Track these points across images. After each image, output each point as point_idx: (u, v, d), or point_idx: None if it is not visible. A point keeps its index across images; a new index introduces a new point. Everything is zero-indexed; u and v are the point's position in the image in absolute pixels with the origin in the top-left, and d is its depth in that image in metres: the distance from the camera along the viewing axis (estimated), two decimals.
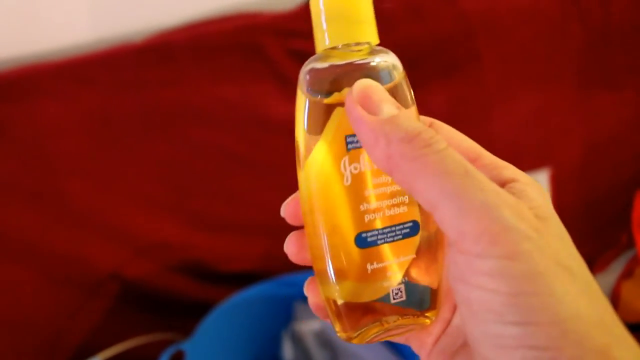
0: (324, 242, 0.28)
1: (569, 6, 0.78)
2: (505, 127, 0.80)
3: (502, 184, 0.26)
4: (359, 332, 0.28)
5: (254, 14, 0.73)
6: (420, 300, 0.28)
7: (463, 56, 0.76)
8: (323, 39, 0.28)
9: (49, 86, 0.70)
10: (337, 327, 0.28)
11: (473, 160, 0.27)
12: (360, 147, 0.27)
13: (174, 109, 0.73)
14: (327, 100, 0.27)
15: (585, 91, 0.82)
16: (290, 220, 0.30)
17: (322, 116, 0.28)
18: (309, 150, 0.28)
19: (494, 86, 0.78)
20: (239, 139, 0.74)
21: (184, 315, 0.74)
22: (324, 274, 0.28)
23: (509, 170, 0.27)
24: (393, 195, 0.27)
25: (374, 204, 0.27)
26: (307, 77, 0.28)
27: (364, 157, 0.27)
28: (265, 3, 0.76)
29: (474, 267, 0.22)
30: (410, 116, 0.25)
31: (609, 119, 0.83)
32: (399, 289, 0.28)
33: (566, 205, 0.83)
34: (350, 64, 0.28)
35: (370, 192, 0.27)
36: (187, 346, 0.67)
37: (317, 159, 0.27)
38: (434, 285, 0.29)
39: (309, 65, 0.28)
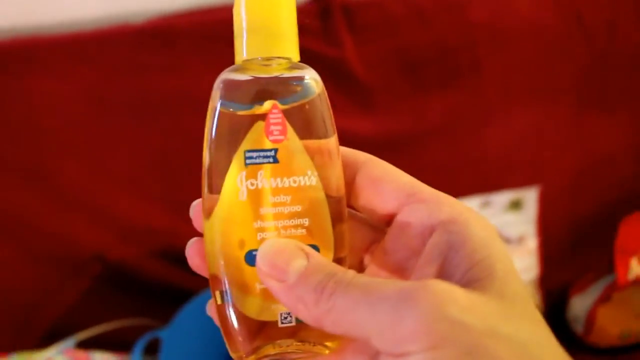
0: (218, 253, 0.27)
1: (574, 25, 0.78)
2: (500, 141, 0.80)
3: (440, 223, 0.25)
4: (252, 351, 0.27)
5: None
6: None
7: (464, 66, 0.76)
8: (242, 50, 0.28)
9: (44, 61, 0.69)
10: (228, 344, 0.27)
11: (411, 195, 0.27)
12: (258, 164, 0.27)
13: (171, 96, 0.72)
14: (242, 113, 0.27)
15: (581, 110, 0.82)
16: (196, 224, 0.29)
17: (233, 128, 0.27)
18: (208, 161, 0.27)
19: (492, 98, 0.78)
20: None
21: (164, 301, 0.74)
22: (217, 284, 0.27)
23: (447, 207, 0.26)
24: (291, 216, 0.27)
25: (268, 222, 0.27)
26: (222, 87, 0.27)
27: (262, 173, 0.27)
28: None
29: None
30: (316, 265, 0.25)
31: (602, 140, 0.84)
32: (289, 313, 0.27)
33: (551, 224, 0.83)
34: (275, 77, 0.27)
35: (266, 210, 0.27)
36: (164, 334, 0.67)
37: (228, 174, 0.27)
38: None
39: (224, 75, 0.27)
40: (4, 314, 0.74)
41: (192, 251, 0.29)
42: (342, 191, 0.28)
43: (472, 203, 0.79)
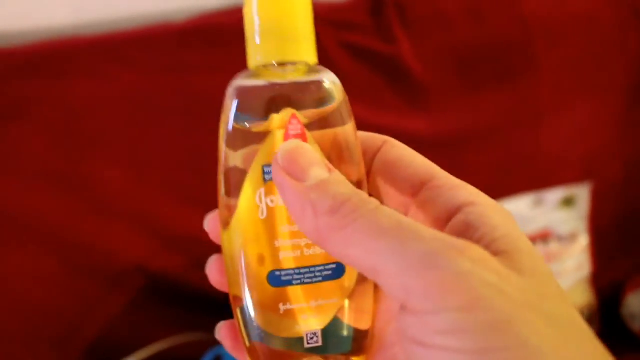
0: (239, 272, 0.26)
1: (629, 16, 0.77)
2: (554, 137, 0.78)
3: (458, 208, 0.24)
4: None
5: None
6: (343, 343, 0.26)
7: (520, 63, 0.75)
8: (255, 54, 0.26)
9: (83, 64, 0.66)
10: None
11: (426, 181, 0.25)
12: None
13: (217, 97, 0.69)
14: (257, 129, 0.25)
15: (633, 105, 0.81)
16: (212, 236, 0.28)
17: (249, 141, 0.25)
18: (227, 170, 0.26)
19: (546, 95, 0.77)
20: None
21: (216, 313, 0.71)
22: (239, 304, 0.26)
23: (465, 191, 0.24)
24: None
25: (290, 241, 0.25)
26: (236, 98, 0.26)
27: None
28: None
29: (429, 326, 0.19)
30: (340, 180, 0.23)
31: None
32: (315, 333, 0.25)
33: (604, 221, 0.82)
34: (292, 84, 0.25)
35: (288, 228, 0.25)
36: (224, 350, 0.64)
37: (245, 187, 0.25)
38: (363, 327, 0.26)
39: (237, 82, 0.26)
40: (43, 332, 0.70)
41: (212, 269, 0.27)
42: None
43: (525, 201, 0.77)
